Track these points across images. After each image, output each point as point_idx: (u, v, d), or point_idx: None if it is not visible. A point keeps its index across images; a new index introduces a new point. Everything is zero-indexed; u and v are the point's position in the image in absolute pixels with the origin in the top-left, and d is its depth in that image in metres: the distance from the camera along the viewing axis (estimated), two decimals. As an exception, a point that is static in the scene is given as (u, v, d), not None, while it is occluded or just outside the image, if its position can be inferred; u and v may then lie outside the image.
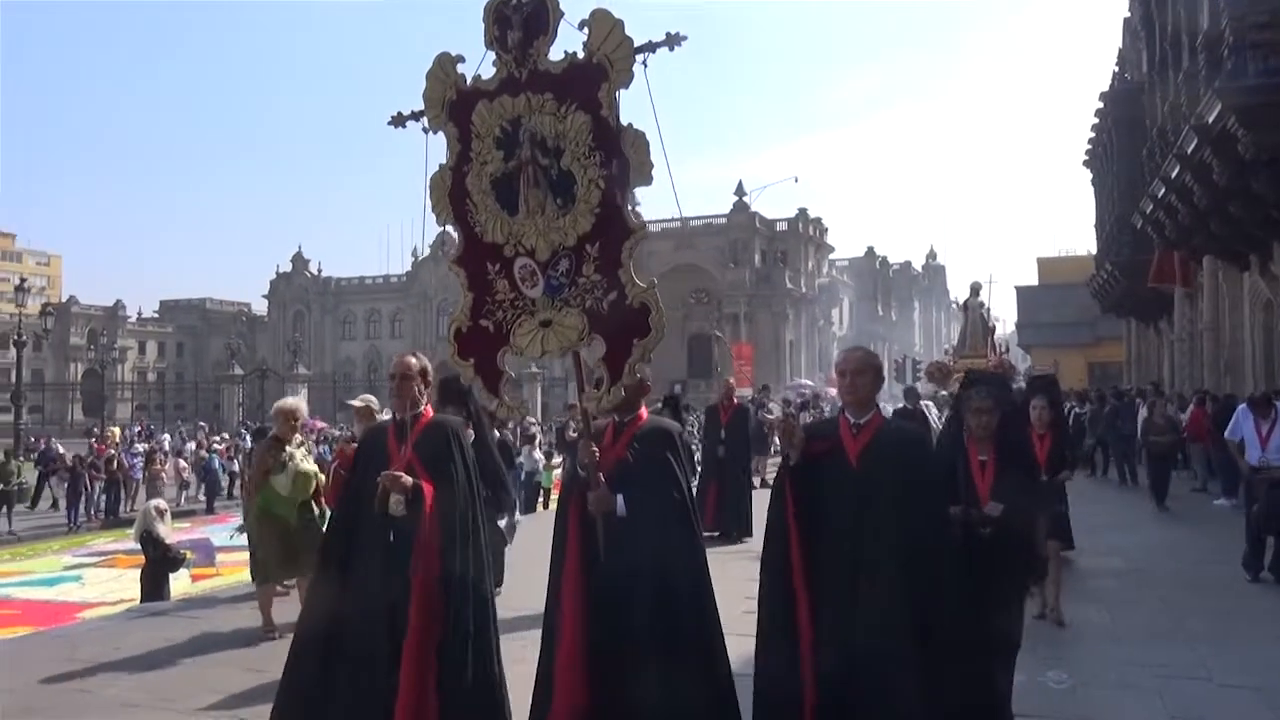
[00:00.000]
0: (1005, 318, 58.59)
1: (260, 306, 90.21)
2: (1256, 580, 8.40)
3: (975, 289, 21.58)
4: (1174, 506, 13.58)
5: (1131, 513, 13.58)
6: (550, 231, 3.79)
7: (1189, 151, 14.42)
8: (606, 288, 3.71)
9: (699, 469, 9.98)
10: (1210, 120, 12.87)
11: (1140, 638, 6.78)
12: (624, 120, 3.65)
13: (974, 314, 21.61)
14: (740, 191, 67.46)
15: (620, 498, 3.91)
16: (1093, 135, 30.35)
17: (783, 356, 64.87)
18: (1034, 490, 5.26)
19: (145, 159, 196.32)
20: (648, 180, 3.58)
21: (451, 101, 3.95)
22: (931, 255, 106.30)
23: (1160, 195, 17.53)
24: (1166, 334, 28.21)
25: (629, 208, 3.68)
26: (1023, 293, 49.50)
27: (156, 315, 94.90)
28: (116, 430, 29.43)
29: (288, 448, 7.10)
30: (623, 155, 3.62)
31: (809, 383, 54.73)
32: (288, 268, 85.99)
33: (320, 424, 33.11)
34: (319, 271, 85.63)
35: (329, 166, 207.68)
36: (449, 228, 4.07)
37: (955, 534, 4.04)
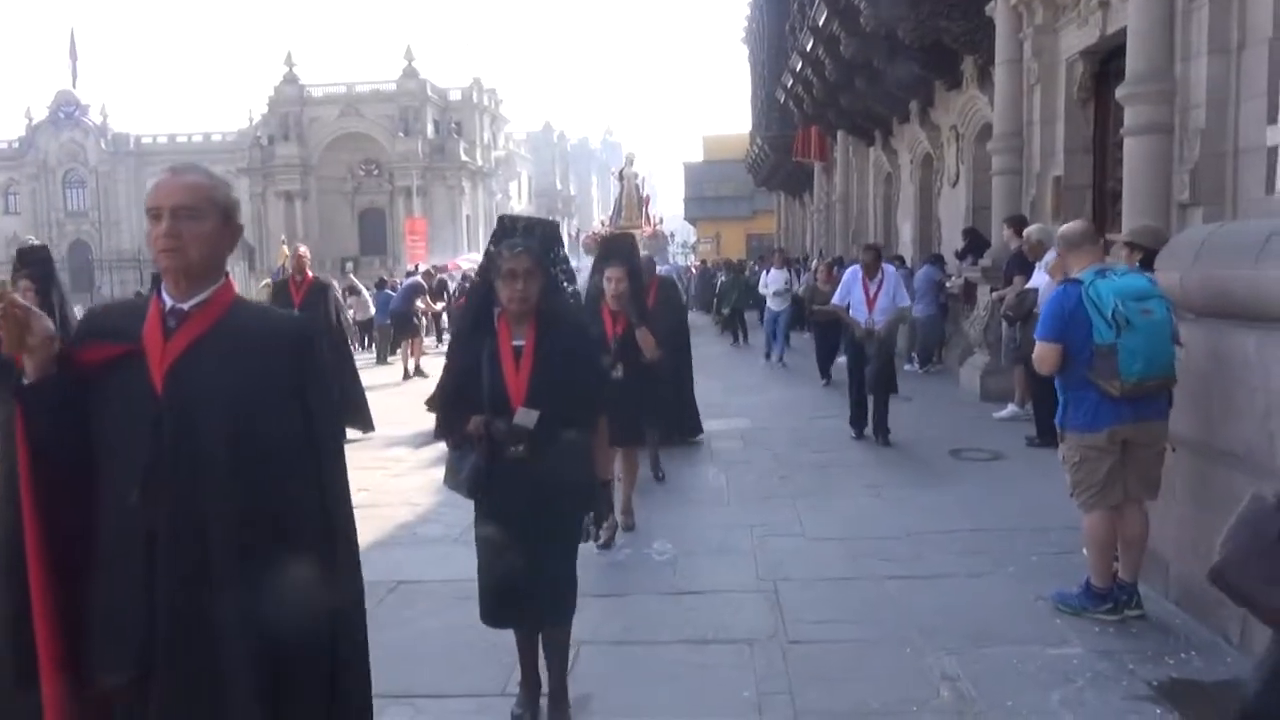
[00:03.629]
0: (674, 193, 60.93)
1: None
2: (860, 437, 8.87)
3: (630, 159, 21.80)
4: (796, 365, 14.34)
5: (761, 374, 14.33)
6: None
7: (820, 24, 14.88)
8: None
9: None
10: (838, -8, 13.26)
11: (748, 499, 6.88)
12: None
13: (629, 184, 21.86)
14: (409, 56, 63.74)
15: None
16: (749, 12, 31.24)
17: (459, 230, 63.38)
18: (595, 388, 3.55)
19: None
20: None
21: None
22: (609, 133, 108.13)
23: (798, 69, 18.20)
24: (809, 205, 30.29)
25: None
26: (689, 169, 51.53)
27: None
28: None
29: None
30: None
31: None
32: None
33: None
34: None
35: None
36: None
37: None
